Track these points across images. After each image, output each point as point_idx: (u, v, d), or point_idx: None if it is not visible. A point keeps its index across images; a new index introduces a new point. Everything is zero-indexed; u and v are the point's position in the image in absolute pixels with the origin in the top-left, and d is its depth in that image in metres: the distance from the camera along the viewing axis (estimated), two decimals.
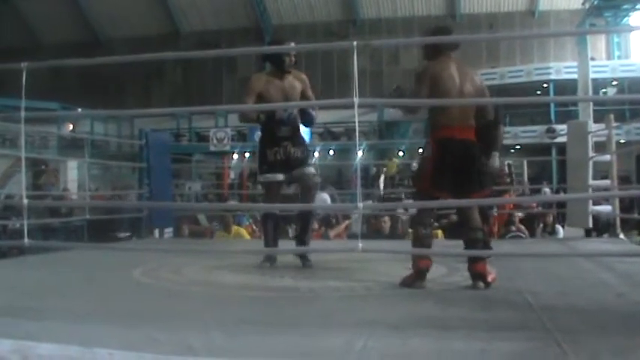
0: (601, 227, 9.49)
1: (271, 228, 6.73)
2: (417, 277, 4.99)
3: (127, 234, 11.67)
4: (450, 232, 9.60)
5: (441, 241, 9.21)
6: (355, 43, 4.34)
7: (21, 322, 3.74)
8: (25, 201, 4.81)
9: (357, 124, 4.39)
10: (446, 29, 5.53)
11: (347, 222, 11.65)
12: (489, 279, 4.84)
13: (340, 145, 27.16)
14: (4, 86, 29.77)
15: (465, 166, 5.02)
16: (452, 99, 5.06)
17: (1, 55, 31.49)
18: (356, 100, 4.22)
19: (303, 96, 6.64)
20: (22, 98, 4.54)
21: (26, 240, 4.75)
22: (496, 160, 6.76)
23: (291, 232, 13.02)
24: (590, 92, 24.87)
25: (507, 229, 10.21)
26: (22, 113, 4.61)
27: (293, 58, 6.57)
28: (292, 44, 6.63)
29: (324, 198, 14.64)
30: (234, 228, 11.13)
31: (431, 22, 30.16)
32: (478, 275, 4.85)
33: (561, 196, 11.70)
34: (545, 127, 27.14)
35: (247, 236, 11.34)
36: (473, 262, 4.89)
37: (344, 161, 24.23)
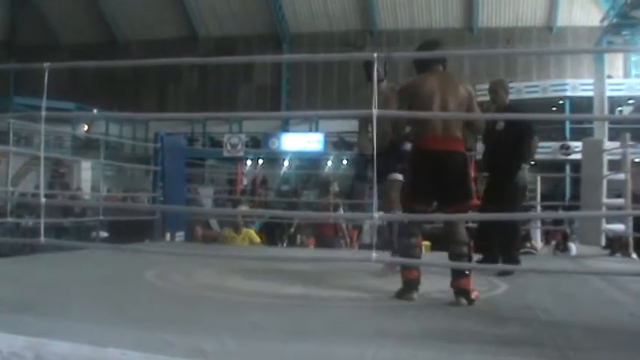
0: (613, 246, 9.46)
1: None
2: (405, 288, 5.01)
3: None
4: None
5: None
6: (375, 54, 4.36)
7: (35, 319, 3.78)
8: (43, 200, 4.84)
9: (374, 135, 4.40)
10: (435, 43, 5.64)
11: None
12: (473, 296, 4.82)
13: (353, 155, 27.15)
14: (20, 85, 30.04)
15: (446, 177, 5.04)
16: (432, 112, 5.08)
17: (20, 54, 31.94)
18: (375, 111, 4.23)
19: None
20: (44, 98, 4.57)
21: (42, 238, 4.78)
22: (525, 173, 6.85)
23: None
24: (606, 110, 24.79)
25: (521, 245, 10.18)
26: (43, 113, 4.64)
27: (379, 68, 6.78)
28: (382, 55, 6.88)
29: None
30: (244, 230, 11.16)
31: (448, 34, 30.21)
32: (462, 291, 4.81)
33: (574, 213, 11.66)
34: (559, 143, 27.03)
35: (257, 238, 11.36)
36: (456, 278, 4.85)
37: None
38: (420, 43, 5.68)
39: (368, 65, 6.84)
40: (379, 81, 6.77)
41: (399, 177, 6.54)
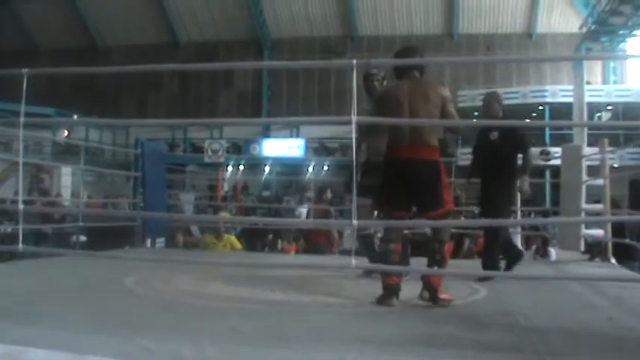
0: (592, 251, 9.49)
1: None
2: (385, 294, 5.04)
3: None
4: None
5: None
6: (355, 61, 4.36)
7: (12, 327, 3.74)
8: (21, 206, 4.80)
9: (354, 142, 4.40)
10: (412, 50, 5.66)
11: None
12: (443, 296, 4.93)
13: (333, 161, 27.24)
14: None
15: (416, 185, 5.11)
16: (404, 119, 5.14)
17: None
18: (354, 117, 4.24)
19: None
20: (22, 103, 4.54)
21: (21, 245, 4.74)
22: (526, 184, 6.95)
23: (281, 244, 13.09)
24: (585, 116, 24.94)
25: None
26: (22, 118, 4.61)
27: (377, 85, 6.96)
28: (381, 73, 7.01)
29: (300, 212, 14.69)
30: (226, 236, 11.13)
31: (429, 41, 30.30)
32: (428, 286, 4.94)
33: (554, 219, 11.71)
34: (539, 149, 27.14)
35: (239, 245, 11.33)
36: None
37: (337, 177, 24.21)
38: (398, 49, 5.71)
39: (366, 79, 6.96)
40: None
41: None
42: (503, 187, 6.98)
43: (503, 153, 6.93)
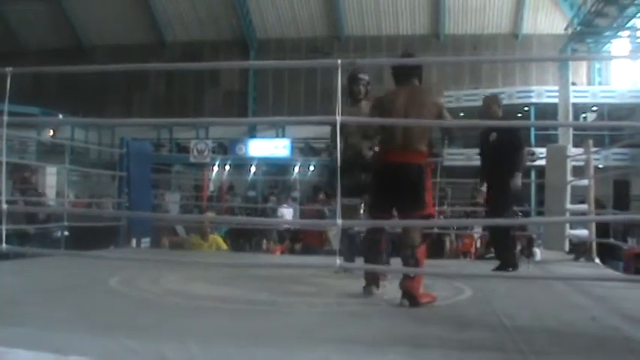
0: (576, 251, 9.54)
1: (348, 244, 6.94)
2: (368, 281, 5.32)
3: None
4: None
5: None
6: (340, 61, 4.36)
7: None
8: (5, 206, 4.77)
9: (338, 142, 4.41)
10: (413, 57, 5.70)
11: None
12: (423, 300, 5.01)
13: (319, 161, 27.27)
14: None
15: (399, 188, 5.20)
16: (398, 125, 5.20)
17: None
18: (338, 118, 4.24)
19: None
20: (6, 102, 4.52)
21: (4, 245, 4.72)
22: (518, 180, 7.08)
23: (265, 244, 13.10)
24: (571, 117, 25.02)
25: (488, 250, 10.26)
26: (5, 118, 4.58)
27: (362, 89, 6.94)
28: (366, 77, 6.99)
29: (282, 212, 14.68)
30: (211, 236, 11.10)
31: (415, 41, 30.33)
32: (406, 293, 4.99)
33: (539, 218, 11.74)
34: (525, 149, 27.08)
35: (224, 245, 11.31)
36: (403, 279, 5.05)
37: (323, 178, 24.25)
38: (400, 53, 5.76)
39: (351, 82, 6.93)
40: (359, 100, 6.87)
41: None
42: (505, 187, 7.10)
43: (502, 153, 7.08)
